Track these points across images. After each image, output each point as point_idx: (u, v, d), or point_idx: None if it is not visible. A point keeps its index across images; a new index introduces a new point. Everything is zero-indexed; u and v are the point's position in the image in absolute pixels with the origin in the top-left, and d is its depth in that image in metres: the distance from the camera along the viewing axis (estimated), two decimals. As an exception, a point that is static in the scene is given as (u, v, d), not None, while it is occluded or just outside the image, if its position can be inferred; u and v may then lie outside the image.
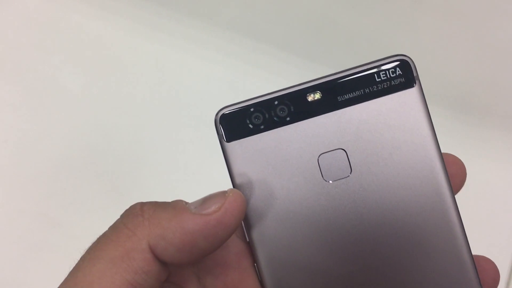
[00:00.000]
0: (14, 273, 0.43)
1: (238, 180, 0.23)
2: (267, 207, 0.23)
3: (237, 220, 0.21)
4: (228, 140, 0.23)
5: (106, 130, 0.47)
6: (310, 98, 0.23)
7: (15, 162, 0.46)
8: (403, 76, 0.23)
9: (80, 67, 0.49)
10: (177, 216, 0.20)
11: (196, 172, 0.45)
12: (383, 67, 0.23)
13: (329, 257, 0.23)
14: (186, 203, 0.21)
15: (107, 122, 0.47)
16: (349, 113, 0.23)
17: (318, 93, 0.23)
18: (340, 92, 0.23)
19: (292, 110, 0.23)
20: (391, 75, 0.23)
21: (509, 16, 0.48)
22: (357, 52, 0.48)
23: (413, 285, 0.23)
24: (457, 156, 0.25)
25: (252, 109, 0.23)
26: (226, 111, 0.23)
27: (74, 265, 0.21)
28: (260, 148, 0.23)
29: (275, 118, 0.23)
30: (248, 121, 0.23)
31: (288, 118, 0.23)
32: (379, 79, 0.23)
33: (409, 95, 0.23)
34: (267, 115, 0.23)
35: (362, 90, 0.23)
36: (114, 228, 0.21)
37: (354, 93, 0.23)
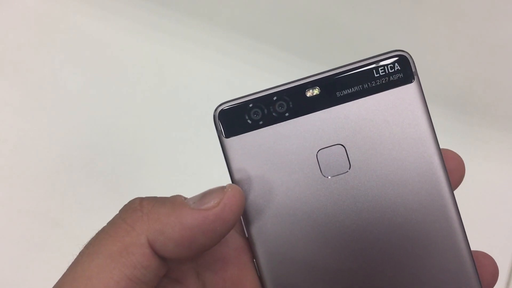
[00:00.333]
0: (14, 273, 0.43)
1: (237, 175, 0.24)
2: (266, 203, 0.23)
3: (236, 215, 0.21)
4: (227, 136, 0.23)
5: (106, 130, 0.47)
6: (309, 93, 0.23)
7: (15, 162, 0.46)
8: (402, 71, 0.23)
9: (80, 67, 0.49)
10: (176, 211, 0.20)
11: (196, 172, 0.45)
12: (382, 63, 0.23)
13: (327, 252, 0.23)
14: (185, 198, 0.21)
15: (107, 122, 0.47)
16: (348, 109, 0.23)
17: (316, 89, 0.23)
18: (339, 87, 0.23)
19: (290, 105, 0.23)
20: (390, 71, 0.23)
21: (509, 16, 0.48)
22: (357, 52, 0.47)
23: (412, 281, 0.23)
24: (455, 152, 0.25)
25: (251, 105, 0.23)
26: (225, 106, 0.23)
27: (73, 260, 0.21)
28: (259, 144, 0.23)
29: (274, 114, 0.23)
30: (247, 117, 0.23)
31: (287, 114, 0.23)
32: (378, 75, 0.23)
33: (408, 90, 0.23)
34: (266, 111, 0.23)
35: (360, 86, 0.23)
36: (112, 223, 0.21)
37: (352, 88, 0.23)
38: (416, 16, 0.49)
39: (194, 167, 0.46)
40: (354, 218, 0.23)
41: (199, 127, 0.46)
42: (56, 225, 0.44)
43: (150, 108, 0.47)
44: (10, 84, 0.49)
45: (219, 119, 0.23)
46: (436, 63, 0.47)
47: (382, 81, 0.23)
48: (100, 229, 0.21)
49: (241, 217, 0.23)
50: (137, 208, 0.21)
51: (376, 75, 0.23)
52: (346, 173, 0.23)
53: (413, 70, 0.23)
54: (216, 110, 0.24)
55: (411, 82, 0.23)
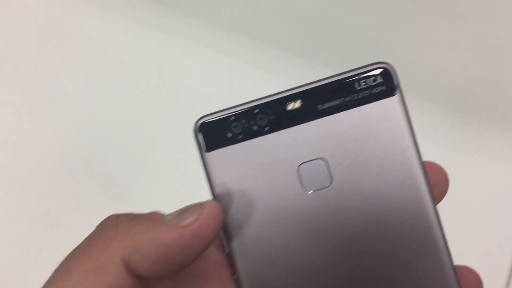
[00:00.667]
0: (14, 273, 0.43)
1: (217, 190, 0.23)
2: (247, 218, 0.23)
3: (213, 232, 0.20)
4: (207, 150, 0.23)
5: (106, 130, 0.47)
6: (290, 107, 0.23)
7: (15, 162, 0.46)
8: (384, 84, 0.23)
9: (80, 67, 0.49)
10: (152, 228, 0.20)
11: (196, 172, 0.45)
12: (364, 75, 0.23)
13: (309, 268, 0.23)
14: (162, 215, 0.21)
15: (107, 122, 0.47)
16: (330, 122, 0.23)
17: (298, 102, 0.23)
18: (320, 100, 0.23)
19: (272, 119, 0.23)
20: (372, 84, 0.23)
21: (509, 16, 0.48)
22: (357, 52, 0.48)
23: None
24: (441, 164, 0.24)
25: (231, 118, 0.23)
26: (205, 120, 0.23)
27: (47, 279, 0.20)
28: (240, 158, 0.23)
29: (254, 128, 0.23)
30: (227, 130, 0.23)
31: (268, 127, 0.23)
32: (360, 88, 0.23)
33: (390, 103, 0.23)
34: (246, 125, 0.23)
35: (342, 99, 0.23)
36: (88, 240, 0.20)
37: (334, 101, 0.23)
38: (416, 16, 0.49)
39: (194, 167, 0.46)
40: (336, 234, 0.23)
41: (199, 127, 0.46)
42: (56, 225, 0.44)
43: (150, 108, 0.47)
44: (10, 84, 0.49)
45: (199, 132, 0.23)
46: (436, 63, 0.47)
47: (364, 94, 0.23)
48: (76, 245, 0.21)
49: (222, 232, 0.23)
50: (112, 225, 0.20)
51: (358, 88, 0.23)
52: (327, 188, 0.23)
53: (396, 82, 0.23)
54: (196, 123, 0.23)
55: (394, 95, 0.23)
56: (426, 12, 0.49)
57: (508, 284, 0.41)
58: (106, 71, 0.48)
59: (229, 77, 0.48)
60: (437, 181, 0.24)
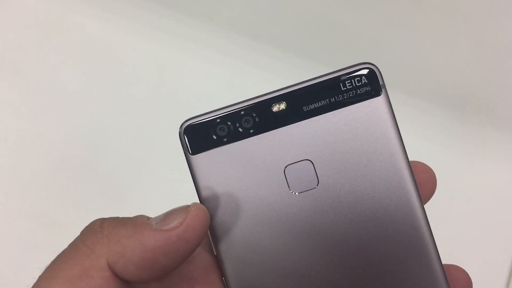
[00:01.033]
0: (14, 273, 0.43)
1: (204, 193, 0.23)
2: (234, 220, 0.23)
3: (199, 236, 0.20)
4: (193, 153, 0.23)
5: (106, 130, 0.47)
6: (275, 108, 0.23)
7: (15, 162, 0.46)
8: (369, 84, 0.23)
9: (80, 67, 0.49)
10: (137, 232, 0.20)
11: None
12: (349, 76, 0.23)
13: (297, 270, 0.23)
14: (148, 218, 0.21)
15: (107, 122, 0.47)
16: (315, 124, 0.23)
17: (283, 104, 0.23)
18: (306, 102, 0.23)
19: (257, 121, 0.23)
20: (357, 84, 0.23)
21: (509, 16, 0.48)
22: (357, 52, 0.48)
23: None
24: (429, 164, 0.24)
25: (217, 121, 0.23)
26: (190, 123, 0.23)
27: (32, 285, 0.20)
28: (226, 161, 0.23)
29: (240, 130, 0.23)
30: (213, 133, 0.23)
31: (253, 130, 0.23)
32: (345, 88, 0.23)
33: (376, 104, 0.23)
34: (232, 127, 0.23)
35: (327, 100, 0.23)
36: (72, 245, 0.20)
37: (319, 103, 0.23)
38: (416, 16, 0.49)
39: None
40: (323, 235, 0.23)
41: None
42: (56, 225, 0.44)
43: (150, 108, 0.47)
44: (10, 84, 0.49)
45: (184, 135, 0.23)
46: (436, 63, 0.47)
47: (349, 94, 0.23)
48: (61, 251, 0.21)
49: (209, 234, 0.23)
50: (97, 230, 0.20)
51: (343, 89, 0.23)
52: (314, 189, 0.23)
53: (381, 83, 0.23)
54: (181, 126, 0.23)
55: (379, 95, 0.23)
56: (426, 12, 0.49)
57: (508, 284, 0.41)
58: (106, 71, 0.48)
59: (229, 77, 0.48)
60: (424, 181, 0.24)
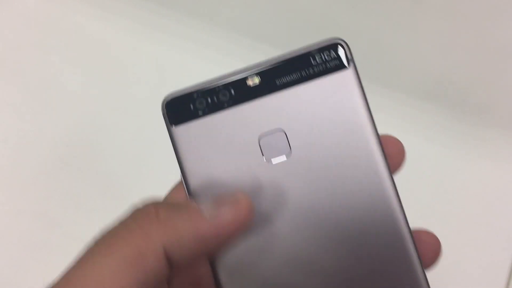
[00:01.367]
0: (14, 273, 0.43)
1: (185, 163, 0.24)
2: (212, 187, 0.24)
3: (246, 228, 0.22)
4: (174, 124, 0.25)
5: (106, 130, 0.47)
6: (250, 82, 0.24)
7: (15, 162, 0.46)
8: (338, 58, 0.24)
9: (80, 67, 0.49)
10: (193, 221, 0.21)
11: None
12: (319, 50, 0.24)
13: (272, 234, 0.24)
14: (199, 204, 0.22)
15: (107, 122, 0.47)
16: (287, 95, 0.24)
17: (257, 78, 0.24)
18: (278, 75, 0.24)
19: (233, 94, 0.24)
20: (326, 58, 0.24)
21: (509, 16, 0.48)
22: (357, 52, 0.47)
23: (349, 258, 0.24)
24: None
25: (196, 95, 0.25)
26: (171, 96, 0.25)
27: (81, 256, 0.20)
28: (205, 131, 0.24)
29: (217, 103, 0.24)
30: (192, 106, 0.24)
31: (230, 102, 0.24)
32: (315, 62, 0.24)
33: (344, 76, 0.24)
34: (210, 100, 0.24)
35: (299, 73, 0.24)
36: (126, 226, 0.21)
37: (291, 76, 0.24)
38: (416, 16, 0.49)
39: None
40: (296, 201, 0.24)
41: (199, 127, 0.46)
42: (56, 225, 0.44)
43: (150, 108, 0.47)
44: (10, 84, 0.49)
45: (166, 108, 0.25)
46: (436, 63, 0.47)
47: (319, 68, 0.24)
48: (107, 228, 0.21)
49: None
50: (152, 214, 0.21)
51: (313, 62, 0.24)
52: (287, 157, 0.24)
53: (349, 56, 0.24)
54: (163, 100, 0.25)
55: (347, 68, 0.24)
56: (426, 12, 0.49)
57: (508, 284, 0.41)
58: (106, 71, 0.48)
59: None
60: (393, 153, 0.25)
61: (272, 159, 0.24)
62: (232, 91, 0.24)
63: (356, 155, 0.24)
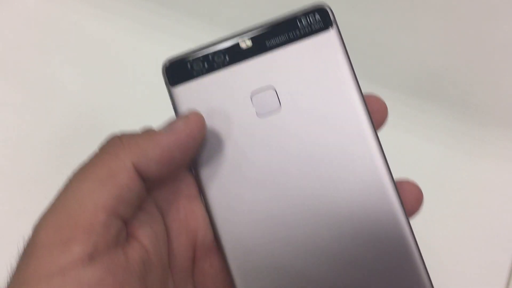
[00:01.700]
0: (14, 273, 0.43)
1: None
2: (209, 141, 0.26)
3: (202, 132, 0.25)
4: (173, 84, 0.27)
5: (106, 130, 0.47)
6: (243, 45, 0.27)
7: (15, 162, 0.46)
8: (322, 21, 0.26)
9: (80, 67, 0.49)
10: (152, 137, 0.23)
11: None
12: (304, 14, 0.27)
13: (263, 189, 0.26)
14: (156, 128, 0.24)
15: (107, 122, 0.47)
16: (277, 56, 0.26)
17: (249, 40, 0.27)
18: (268, 37, 0.27)
19: (227, 56, 0.27)
20: (311, 20, 0.26)
21: (509, 16, 0.48)
22: (357, 52, 0.47)
23: (332, 207, 0.25)
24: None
25: (193, 57, 0.27)
26: (170, 60, 0.27)
27: (62, 187, 0.23)
28: (202, 90, 0.26)
29: (213, 64, 0.27)
30: (190, 67, 0.27)
31: (225, 63, 0.27)
32: (301, 25, 0.26)
33: (328, 36, 0.26)
34: (206, 61, 0.27)
35: (287, 35, 0.26)
36: (96, 156, 0.23)
37: (280, 38, 0.26)
38: (416, 16, 0.49)
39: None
40: (285, 153, 0.26)
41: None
42: (56, 225, 0.44)
43: (150, 108, 0.47)
44: (10, 84, 0.49)
45: (165, 70, 0.27)
46: (436, 63, 0.47)
47: (305, 30, 0.26)
48: (81, 164, 0.23)
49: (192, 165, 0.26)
50: (117, 141, 0.24)
51: (299, 25, 0.26)
52: (277, 112, 0.26)
53: (332, 19, 0.26)
54: (163, 63, 0.27)
55: (330, 29, 0.26)
56: (426, 12, 0.49)
57: (508, 284, 0.41)
58: (106, 71, 0.48)
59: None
60: (376, 110, 0.26)
61: (263, 114, 0.26)
62: (227, 53, 0.27)
63: (340, 109, 0.26)
